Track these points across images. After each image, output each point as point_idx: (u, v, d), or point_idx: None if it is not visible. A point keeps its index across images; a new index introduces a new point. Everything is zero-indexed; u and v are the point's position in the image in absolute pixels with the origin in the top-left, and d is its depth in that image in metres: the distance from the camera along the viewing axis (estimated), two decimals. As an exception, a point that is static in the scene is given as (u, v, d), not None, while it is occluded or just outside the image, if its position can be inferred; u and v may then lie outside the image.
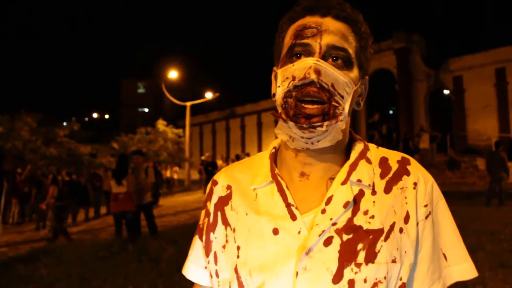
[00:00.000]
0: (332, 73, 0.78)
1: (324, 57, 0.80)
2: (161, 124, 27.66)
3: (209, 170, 19.07)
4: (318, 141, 0.80)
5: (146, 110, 71.27)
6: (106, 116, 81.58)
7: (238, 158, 19.61)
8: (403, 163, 0.87)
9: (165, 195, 19.65)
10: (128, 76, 73.69)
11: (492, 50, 22.07)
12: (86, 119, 77.28)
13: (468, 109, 22.76)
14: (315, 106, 0.77)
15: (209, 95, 28.89)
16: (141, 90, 73.31)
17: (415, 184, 0.84)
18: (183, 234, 8.44)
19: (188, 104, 26.43)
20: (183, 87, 46.57)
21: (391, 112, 29.59)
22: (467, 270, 0.84)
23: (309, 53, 0.81)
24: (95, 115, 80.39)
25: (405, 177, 0.85)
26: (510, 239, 6.49)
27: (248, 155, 23.18)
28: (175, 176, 25.25)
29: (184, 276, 0.96)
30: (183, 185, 24.93)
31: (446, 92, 24.64)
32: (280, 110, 0.82)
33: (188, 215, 12.13)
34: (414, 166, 0.87)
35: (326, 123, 0.77)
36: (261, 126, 33.71)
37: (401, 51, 24.63)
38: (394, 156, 0.89)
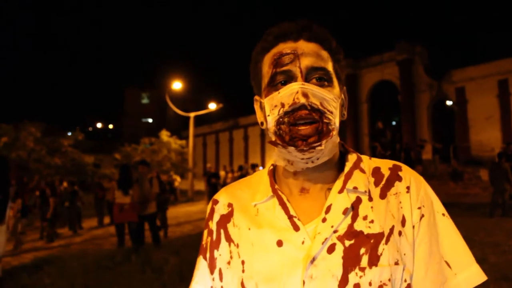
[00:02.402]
0: (319, 93, 0.82)
1: (307, 80, 0.83)
2: (165, 135, 27.75)
3: (213, 181, 19.05)
4: (318, 159, 0.84)
5: (150, 120, 71.45)
6: (110, 126, 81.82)
7: (241, 169, 19.58)
8: (394, 170, 0.90)
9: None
10: (132, 86, 73.94)
11: (494, 61, 22.13)
12: (90, 129, 77.51)
13: (471, 120, 22.76)
14: (309, 126, 0.80)
15: (212, 106, 28.97)
16: (144, 101, 73.53)
17: (407, 188, 0.87)
18: (187, 244, 8.43)
19: (192, 114, 26.52)
20: (187, 98, 46.77)
21: (394, 123, 29.62)
22: (474, 274, 0.83)
23: (291, 78, 0.84)
24: (99, 125, 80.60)
25: (397, 182, 0.88)
26: (514, 250, 6.45)
27: (256, 165, 23.18)
28: (177, 185, 25.19)
29: (187, 287, 0.98)
30: (186, 195, 24.89)
31: (449, 103, 24.66)
32: (274, 137, 0.85)
33: (192, 226, 12.11)
34: (406, 172, 0.90)
35: (323, 141, 0.81)
36: (264, 137, 33.71)
37: (403, 62, 24.73)
38: (386, 164, 0.92)
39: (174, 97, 29.97)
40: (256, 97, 0.95)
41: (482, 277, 0.83)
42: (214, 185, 19.16)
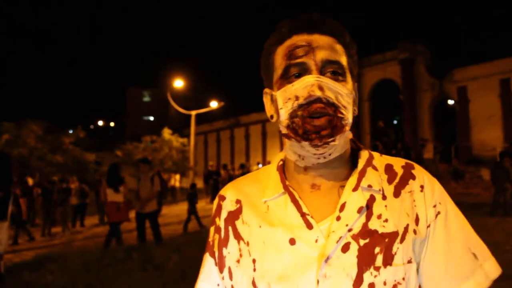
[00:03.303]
0: (334, 87, 0.80)
1: (321, 73, 0.81)
2: (166, 133, 27.77)
3: (214, 179, 19.09)
4: (330, 154, 0.82)
5: (151, 118, 71.50)
6: (112, 124, 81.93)
7: (243, 167, 19.61)
8: (407, 168, 0.89)
9: (169, 204, 19.64)
10: (134, 84, 74.07)
11: (496, 60, 22.12)
12: (92, 127, 77.54)
13: (472, 120, 22.75)
14: (322, 118, 0.79)
15: (214, 104, 28.95)
16: (146, 99, 73.57)
17: (421, 187, 0.86)
18: (188, 242, 8.45)
19: (193, 113, 26.49)
20: (188, 96, 46.73)
21: (395, 122, 29.60)
22: (494, 266, 0.85)
23: (306, 71, 0.82)
24: (100, 123, 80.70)
25: (411, 181, 0.87)
26: (515, 250, 6.45)
27: (258, 164, 23.25)
28: (177, 184, 25.19)
29: (189, 285, 0.97)
30: (187, 193, 24.89)
31: (450, 102, 24.65)
32: (286, 131, 0.83)
33: (193, 224, 12.12)
34: (419, 170, 0.89)
35: (337, 136, 0.79)
36: (265, 135, 33.74)
37: (405, 61, 24.73)
38: (398, 162, 0.91)
39: (176, 95, 29.91)
40: (266, 90, 0.93)
41: (499, 269, 0.85)
42: (215, 183, 19.23)
